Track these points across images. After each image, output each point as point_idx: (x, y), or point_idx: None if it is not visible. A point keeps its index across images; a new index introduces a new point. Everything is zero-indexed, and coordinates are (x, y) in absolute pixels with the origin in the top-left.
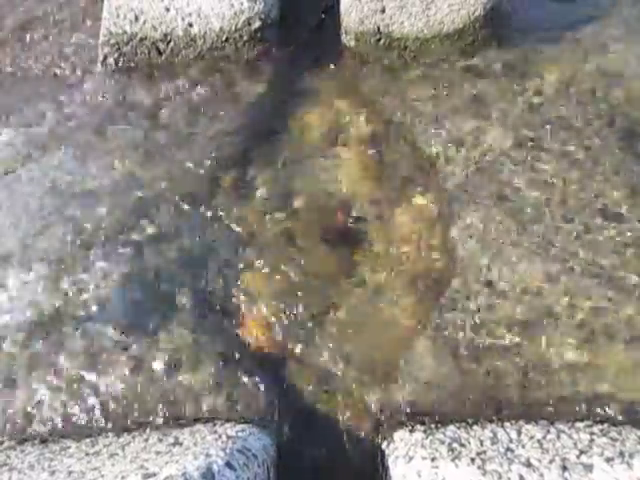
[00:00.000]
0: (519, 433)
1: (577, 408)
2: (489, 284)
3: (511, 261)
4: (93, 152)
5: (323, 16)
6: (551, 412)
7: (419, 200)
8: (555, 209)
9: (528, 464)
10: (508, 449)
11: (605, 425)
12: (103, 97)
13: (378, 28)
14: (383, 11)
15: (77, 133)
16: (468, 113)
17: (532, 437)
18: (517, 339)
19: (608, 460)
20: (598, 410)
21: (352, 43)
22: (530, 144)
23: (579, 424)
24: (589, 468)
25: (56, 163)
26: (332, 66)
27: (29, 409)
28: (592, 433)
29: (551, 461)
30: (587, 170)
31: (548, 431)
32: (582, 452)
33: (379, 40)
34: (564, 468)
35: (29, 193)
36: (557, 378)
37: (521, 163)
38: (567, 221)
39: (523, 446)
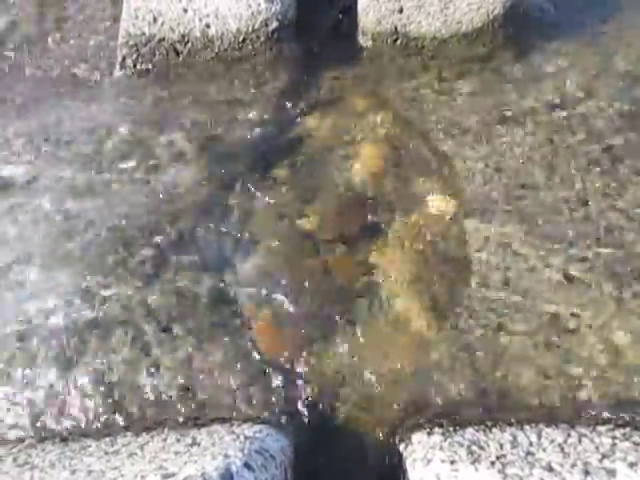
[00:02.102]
0: (539, 436)
1: (599, 411)
2: (507, 286)
3: (529, 263)
4: (112, 153)
5: (340, 17)
6: (572, 415)
7: (437, 200)
8: (575, 209)
9: (549, 468)
10: (529, 453)
11: (627, 429)
12: (121, 98)
13: (395, 28)
14: (401, 11)
15: (96, 134)
16: (486, 113)
17: (553, 441)
18: (536, 342)
19: (631, 465)
20: (620, 414)
21: (369, 43)
22: (549, 144)
23: (601, 428)
24: (612, 473)
25: (76, 164)
26: (349, 67)
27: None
28: (614, 437)
29: (573, 465)
30: (607, 170)
31: (569, 435)
32: (604, 456)
33: (396, 40)
34: (586, 472)
35: (48, 194)
36: (578, 381)
37: (540, 163)
38: (587, 221)
39: (544, 450)
